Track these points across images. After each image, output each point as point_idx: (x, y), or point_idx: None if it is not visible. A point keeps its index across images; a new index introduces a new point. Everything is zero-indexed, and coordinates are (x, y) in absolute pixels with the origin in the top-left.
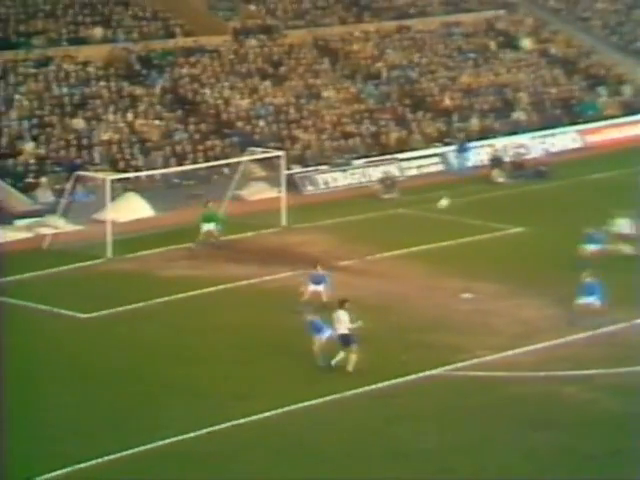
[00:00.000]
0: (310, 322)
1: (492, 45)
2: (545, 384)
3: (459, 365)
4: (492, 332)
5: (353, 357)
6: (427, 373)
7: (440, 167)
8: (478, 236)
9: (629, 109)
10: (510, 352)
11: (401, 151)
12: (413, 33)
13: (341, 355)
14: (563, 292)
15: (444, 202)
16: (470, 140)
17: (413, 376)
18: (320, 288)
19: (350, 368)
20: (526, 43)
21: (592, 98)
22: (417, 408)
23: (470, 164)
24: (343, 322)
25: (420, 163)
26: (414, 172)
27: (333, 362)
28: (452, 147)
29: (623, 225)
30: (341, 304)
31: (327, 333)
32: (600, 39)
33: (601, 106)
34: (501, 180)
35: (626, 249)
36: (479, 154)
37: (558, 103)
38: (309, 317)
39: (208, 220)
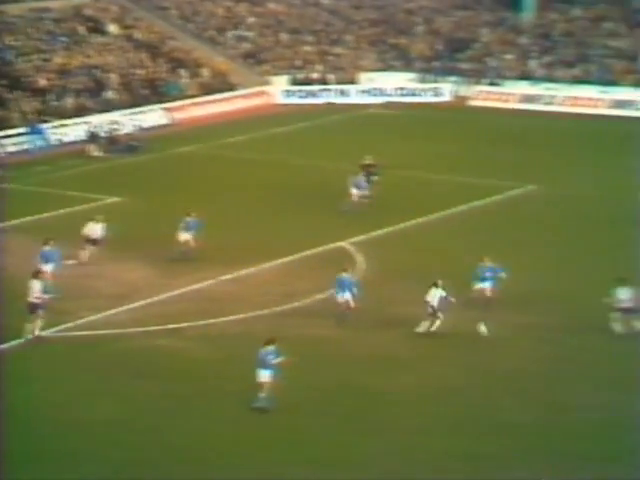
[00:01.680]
0: None
1: (81, 30)
2: (143, 338)
3: (65, 326)
4: (95, 294)
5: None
6: (36, 335)
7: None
8: (77, 206)
9: (207, 89)
10: (111, 311)
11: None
12: (6, 17)
13: None
14: (157, 255)
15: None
16: (44, 121)
17: (22, 340)
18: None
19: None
20: (112, 28)
21: (175, 79)
22: (28, 369)
23: (45, 143)
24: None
25: (19, 140)
26: (14, 149)
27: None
28: (25, 129)
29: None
30: (35, 274)
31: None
32: (178, 26)
33: (183, 86)
34: (97, 154)
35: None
36: (75, 130)
37: (145, 83)
38: None
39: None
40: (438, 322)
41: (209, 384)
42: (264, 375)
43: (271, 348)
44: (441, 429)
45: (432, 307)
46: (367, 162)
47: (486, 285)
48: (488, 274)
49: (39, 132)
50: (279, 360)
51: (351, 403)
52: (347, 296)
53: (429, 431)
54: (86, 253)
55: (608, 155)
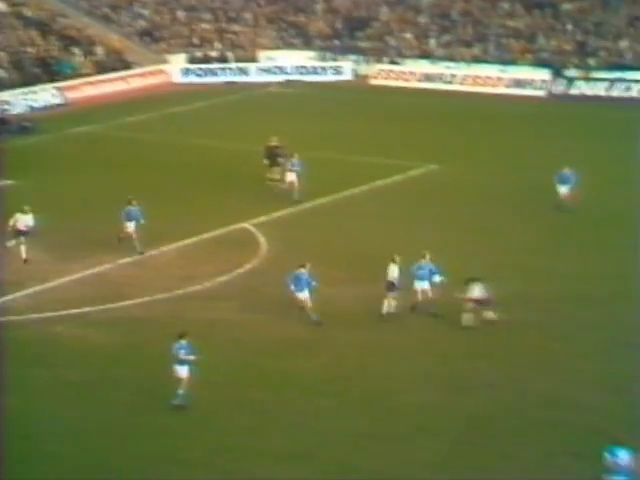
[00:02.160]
0: None
1: None
2: (39, 325)
3: None
4: None
5: None
6: None
7: None
8: None
9: (102, 68)
10: (6, 297)
11: None
12: None
13: None
14: (53, 240)
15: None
16: None
17: None
18: None
19: None
20: (1, 6)
21: (68, 57)
22: None
23: None
24: None
25: None
26: None
27: None
28: None
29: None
30: None
31: None
32: (70, 3)
33: (77, 65)
34: None
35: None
36: None
37: (36, 62)
38: None
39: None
40: (394, 303)
41: (107, 371)
42: (181, 370)
43: (184, 342)
44: (349, 409)
45: (392, 284)
46: (273, 144)
47: (424, 285)
48: (425, 272)
49: None
50: (193, 357)
51: (254, 385)
52: (306, 294)
53: (337, 411)
54: (21, 247)
55: (508, 134)
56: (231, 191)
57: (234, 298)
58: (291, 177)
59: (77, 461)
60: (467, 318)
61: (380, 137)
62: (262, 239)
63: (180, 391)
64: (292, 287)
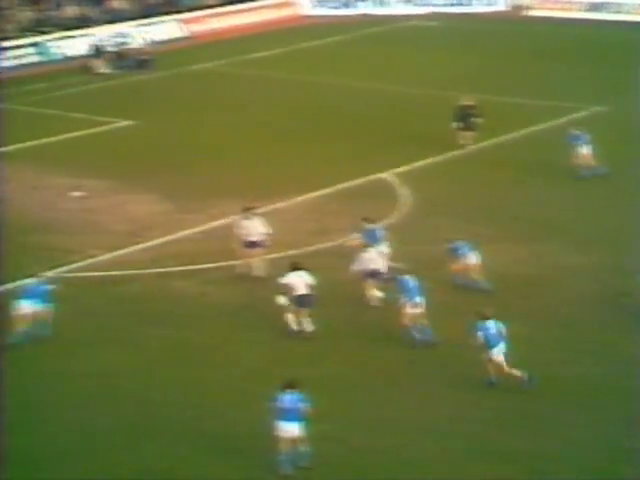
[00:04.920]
0: None
1: None
2: (157, 280)
3: (72, 267)
4: (104, 231)
5: None
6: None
7: (36, 58)
8: (85, 130)
9: None
10: (122, 250)
11: None
12: None
13: None
14: (172, 187)
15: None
16: (3, 39)
17: (20, 282)
18: None
19: None
20: None
21: None
22: None
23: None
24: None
25: (15, 53)
26: (10, 63)
27: None
28: None
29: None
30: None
31: None
32: None
33: None
34: (103, 71)
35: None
36: (78, 43)
37: None
38: None
39: None
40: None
41: (229, 333)
42: (292, 429)
43: (295, 393)
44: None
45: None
46: (466, 103)
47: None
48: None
49: None
50: (308, 407)
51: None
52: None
53: None
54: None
55: None
56: (367, 136)
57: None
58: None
59: (199, 429)
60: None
61: (540, 76)
62: (402, 191)
63: (301, 449)
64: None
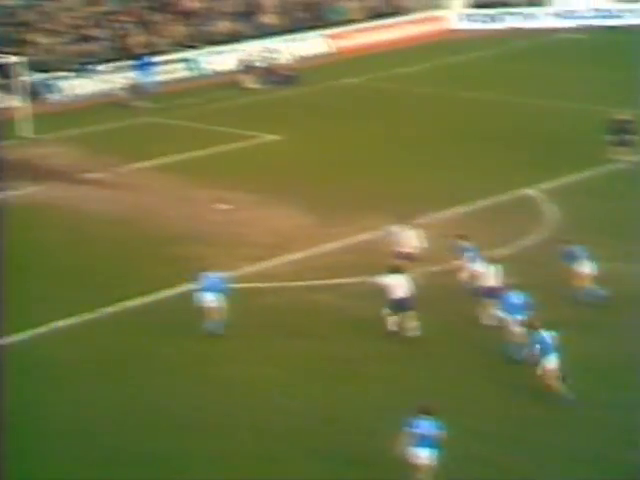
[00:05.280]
0: None
1: None
2: (299, 293)
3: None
4: (248, 243)
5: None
6: (183, 287)
7: (187, 73)
8: (231, 144)
9: (373, 14)
10: (266, 263)
11: (146, 55)
12: None
13: None
14: (316, 201)
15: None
16: (148, 54)
17: (168, 291)
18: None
19: None
20: None
21: (337, 2)
22: (172, 322)
23: (156, 79)
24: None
25: (167, 68)
26: (162, 78)
27: None
28: (132, 63)
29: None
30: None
31: None
32: None
33: (346, 10)
34: (252, 86)
35: None
36: (228, 58)
37: (304, 6)
38: None
39: None
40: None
41: (369, 346)
42: (426, 455)
43: (430, 419)
44: None
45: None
46: (622, 117)
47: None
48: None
49: (146, 67)
50: (442, 433)
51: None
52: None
53: None
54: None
55: None
56: (512, 152)
57: (514, 274)
58: None
59: (341, 446)
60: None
61: None
62: (548, 207)
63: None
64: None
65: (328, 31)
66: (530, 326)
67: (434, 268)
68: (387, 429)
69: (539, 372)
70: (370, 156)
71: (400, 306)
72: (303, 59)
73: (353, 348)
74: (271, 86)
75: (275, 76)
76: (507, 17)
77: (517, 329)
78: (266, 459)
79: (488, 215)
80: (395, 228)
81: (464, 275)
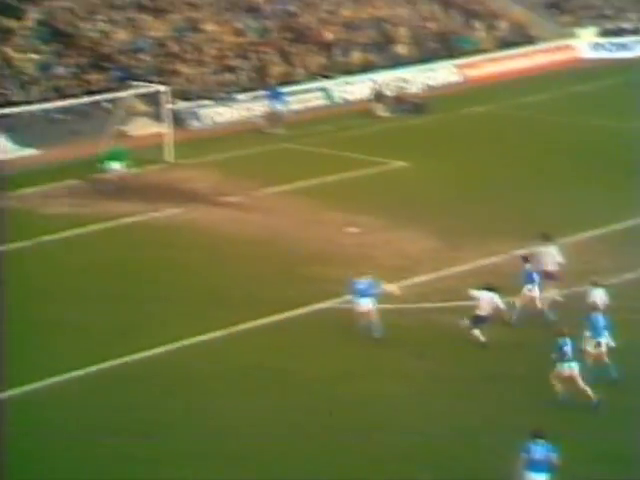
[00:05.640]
0: None
1: None
2: (426, 315)
3: (344, 298)
4: (376, 265)
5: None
6: (314, 306)
7: (322, 101)
8: (362, 170)
9: (504, 43)
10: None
11: (284, 85)
12: None
13: None
14: (443, 225)
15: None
16: (286, 84)
17: (300, 310)
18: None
19: None
20: None
21: (469, 32)
22: (304, 340)
23: (292, 107)
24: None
25: (303, 97)
26: (297, 106)
27: None
28: (265, 93)
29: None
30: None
31: None
32: None
33: (477, 40)
34: (382, 114)
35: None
36: (360, 88)
37: (435, 37)
38: None
39: (114, 158)
40: None
41: (497, 368)
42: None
43: (544, 443)
44: None
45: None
46: None
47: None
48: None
49: (278, 96)
50: (556, 457)
51: None
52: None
53: None
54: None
55: None
56: None
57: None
58: None
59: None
60: None
61: None
62: None
63: None
64: None
65: (458, 61)
66: (558, 333)
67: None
68: (505, 448)
69: (556, 375)
70: (497, 182)
71: (480, 321)
72: (433, 88)
73: (474, 369)
74: (401, 114)
75: (405, 105)
76: (637, 46)
77: (594, 350)
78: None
79: (616, 239)
80: (538, 247)
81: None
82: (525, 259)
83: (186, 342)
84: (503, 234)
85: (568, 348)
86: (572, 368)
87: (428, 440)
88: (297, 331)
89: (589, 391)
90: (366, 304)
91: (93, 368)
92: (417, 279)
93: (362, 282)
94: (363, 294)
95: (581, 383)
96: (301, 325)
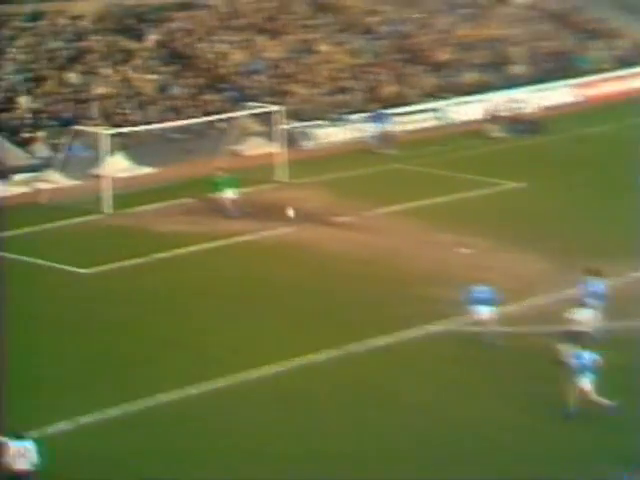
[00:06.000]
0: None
1: (484, 0)
2: (539, 339)
3: (457, 319)
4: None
5: None
6: (426, 328)
7: (434, 122)
8: (474, 191)
9: (623, 63)
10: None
11: (397, 105)
12: None
13: None
14: (558, 247)
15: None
16: (388, 107)
17: (413, 331)
18: None
19: None
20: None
21: (585, 52)
22: (417, 362)
23: (396, 129)
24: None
25: (415, 118)
26: (410, 127)
27: None
28: (369, 115)
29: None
30: None
31: None
32: None
33: (594, 60)
34: (496, 134)
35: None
36: (473, 108)
37: (551, 57)
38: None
39: (227, 186)
40: None
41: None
42: None
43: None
44: None
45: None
46: None
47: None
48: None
49: (382, 118)
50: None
51: None
52: None
53: None
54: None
55: None
56: None
57: None
58: None
59: None
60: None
61: None
62: None
63: None
64: None
65: (575, 80)
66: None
67: None
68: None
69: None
70: (613, 203)
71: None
72: (549, 108)
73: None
74: (516, 135)
75: (520, 125)
76: None
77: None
78: None
79: None
80: None
81: None
82: (590, 272)
83: (298, 360)
84: (619, 256)
85: (585, 360)
86: (588, 381)
87: (531, 466)
88: (409, 352)
89: (603, 400)
90: (486, 312)
91: (208, 386)
92: (530, 302)
93: (481, 290)
94: (483, 302)
95: (594, 395)
96: (414, 346)
